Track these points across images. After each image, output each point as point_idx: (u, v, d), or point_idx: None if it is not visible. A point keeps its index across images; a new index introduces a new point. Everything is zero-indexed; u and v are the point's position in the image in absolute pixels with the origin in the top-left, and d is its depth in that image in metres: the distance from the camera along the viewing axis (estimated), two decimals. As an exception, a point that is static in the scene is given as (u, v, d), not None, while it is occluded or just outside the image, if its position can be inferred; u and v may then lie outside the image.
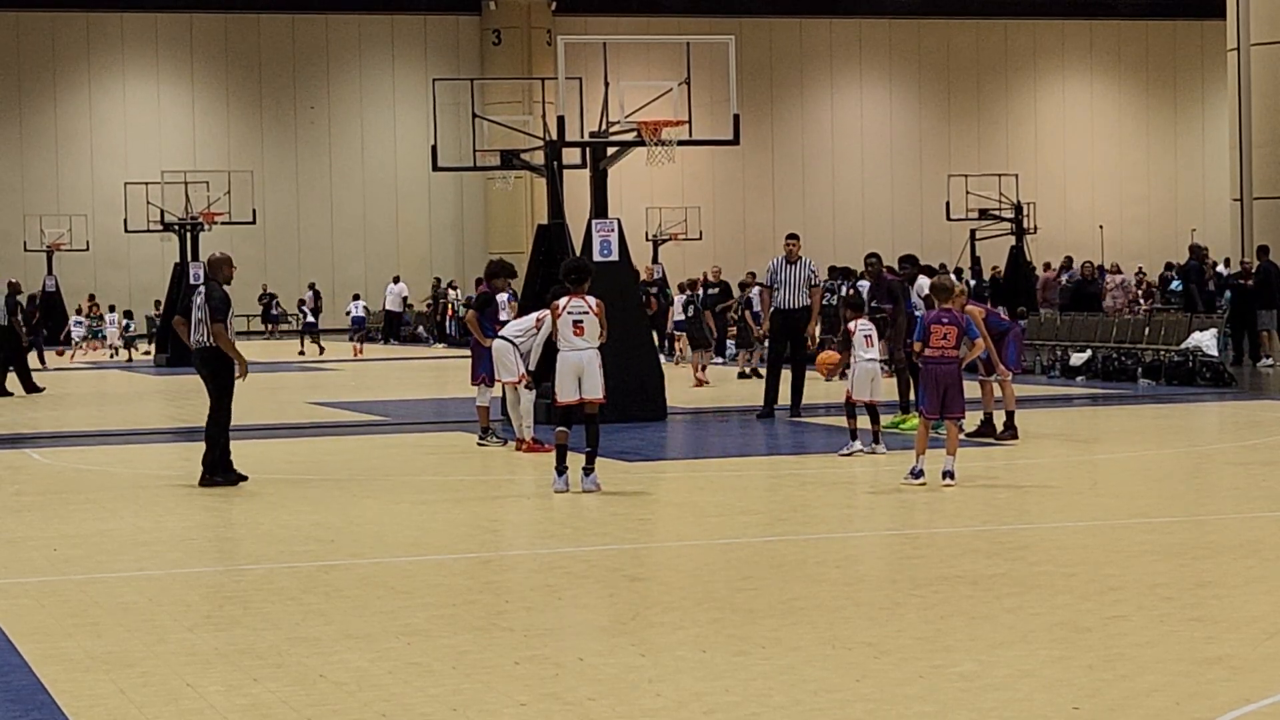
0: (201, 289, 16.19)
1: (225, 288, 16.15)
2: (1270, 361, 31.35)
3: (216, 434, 16.08)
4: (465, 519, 13.78)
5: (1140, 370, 28.00)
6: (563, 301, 14.97)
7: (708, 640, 8.74)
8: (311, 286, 57.95)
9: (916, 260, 21.77)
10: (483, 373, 19.32)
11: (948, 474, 14.81)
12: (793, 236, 23.09)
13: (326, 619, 9.50)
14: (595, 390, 14.86)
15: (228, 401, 16.10)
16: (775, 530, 12.72)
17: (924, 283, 19.77)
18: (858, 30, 68.39)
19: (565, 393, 14.89)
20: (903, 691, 7.58)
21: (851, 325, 17.72)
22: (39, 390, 30.52)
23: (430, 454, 19.06)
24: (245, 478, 16.09)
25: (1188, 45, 69.97)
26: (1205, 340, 27.31)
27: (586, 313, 14.89)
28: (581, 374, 14.83)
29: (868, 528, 13.14)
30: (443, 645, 8.75)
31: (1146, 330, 29.14)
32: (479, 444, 19.25)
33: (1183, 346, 27.41)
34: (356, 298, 54.97)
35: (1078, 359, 29.43)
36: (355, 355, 46.23)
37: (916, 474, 14.92)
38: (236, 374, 15.95)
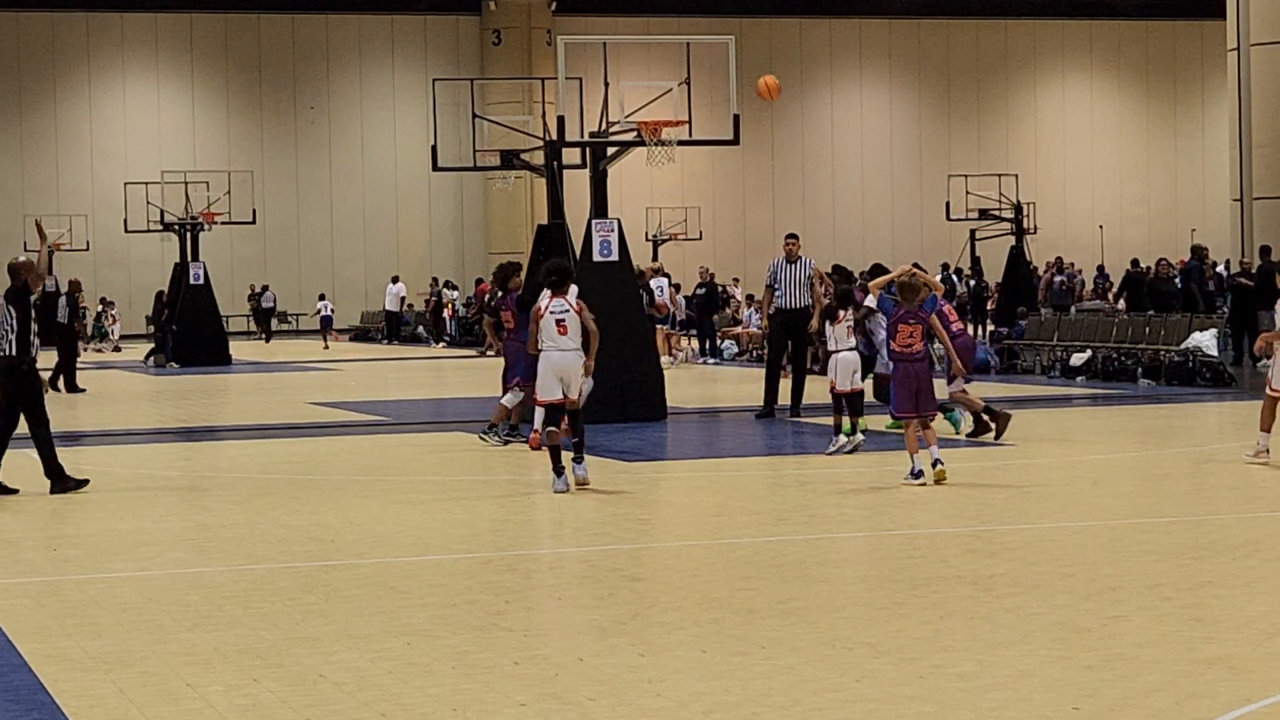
0: None
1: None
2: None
3: (47, 439, 15.50)
4: (465, 519, 13.77)
5: (1140, 370, 28.00)
6: (543, 304, 15.08)
7: (708, 640, 8.74)
8: (261, 289, 58.03)
9: (883, 268, 21.83)
10: (517, 375, 19.11)
11: (936, 461, 14.90)
12: (792, 236, 23.08)
13: (326, 619, 9.49)
14: (576, 392, 15.02)
15: (41, 408, 15.52)
16: (775, 530, 12.71)
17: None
18: (858, 30, 68.38)
19: (547, 392, 15.00)
20: (903, 691, 7.58)
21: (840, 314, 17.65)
22: (80, 390, 30.65)
23: (430, 454, 19.05)
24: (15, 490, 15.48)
25: (1188, 45, 69.96)
26: (1205, 340, 27.30)
27: (568, 311, 15.00)
28: (564, 375, 14.95)
29: (868, 528, 13.14)
30: (443, 645, 8.75)
31: (1146, 330, 29.14)
32: (480, 437, 19.22)
33: (1183, 346, 27.41)
34: (322, 297, 55.98)
35: (1078, 359, 29.42)
36: (325, 349, 48.65)
37: (916, 474, 14.93)
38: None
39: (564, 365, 14.93)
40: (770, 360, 23.12)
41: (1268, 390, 16.81)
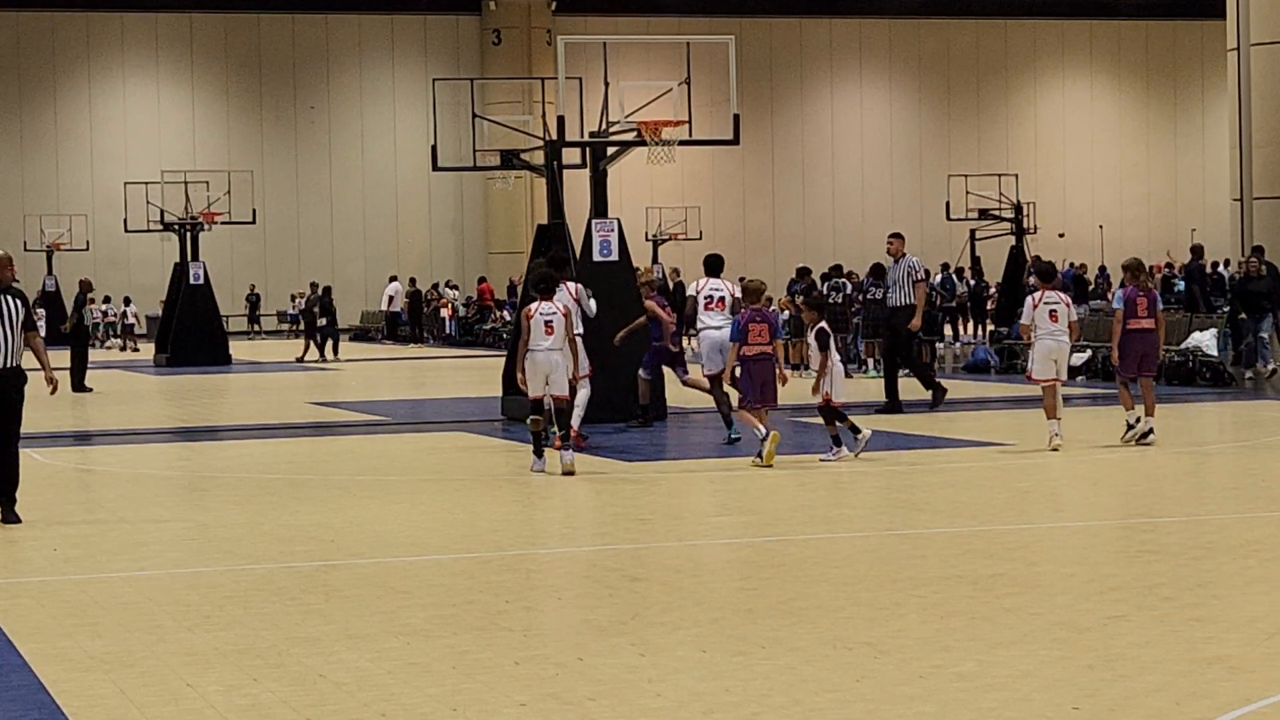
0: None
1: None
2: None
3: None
4: (465, 519, 13.78)
5: (1140, 370, 27.96)
6: (534, 306, 16.52)
7: (708, 640, 8.74)
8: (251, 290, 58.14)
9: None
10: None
11: (763, 443, 16.48)
12: (896, 235, 23.72)
13: (326, 619, 9.50)
14: (560, 388, 16.39)
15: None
16: (775, 530, 12.72)
17: None
18: (858, 30, 68.37)
19: (535, 388, 16.35)
20: (903, 691, 7.58)
21: (821, 326, 17.42)
22: (87, 390, 30.59)
23: (430, 454, 19.06)
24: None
25: (1188, 45, 69.94)
26: (1205, 340, 27.29)
27: (555, 313, 16.43)
28: (549, 373, 16.31)
29: (868, 528, 13.14)
30: (443, 645, 8.75)
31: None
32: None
33: (1183, 346, 27.39)
34: (127, 301, 56.29)
35: (1078, 359, 29.38)
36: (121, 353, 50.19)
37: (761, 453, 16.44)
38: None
39: (548, 363, 16.27)
40: (890, 354, 23.45)
41: (1031, 379, 17.96)
